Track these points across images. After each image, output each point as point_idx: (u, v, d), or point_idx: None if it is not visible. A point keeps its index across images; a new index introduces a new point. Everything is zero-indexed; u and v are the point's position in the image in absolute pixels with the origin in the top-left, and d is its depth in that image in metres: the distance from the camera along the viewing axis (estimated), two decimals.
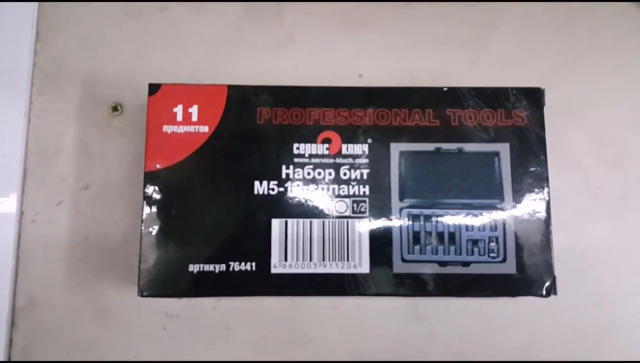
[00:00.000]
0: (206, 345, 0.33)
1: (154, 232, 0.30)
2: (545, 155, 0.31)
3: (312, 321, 0.34)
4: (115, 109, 0.35)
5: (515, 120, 0.31)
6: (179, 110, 0.31)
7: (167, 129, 0.30)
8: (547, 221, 0.30)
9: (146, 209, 0.30)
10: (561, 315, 0.34)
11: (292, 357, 0.33)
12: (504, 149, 0.31)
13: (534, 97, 0.32)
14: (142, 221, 0.30)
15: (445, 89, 0.32)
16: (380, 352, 0.34)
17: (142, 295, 0.29)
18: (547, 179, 0.31)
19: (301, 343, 0.34)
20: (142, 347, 0.33)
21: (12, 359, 0.33)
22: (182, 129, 0.30)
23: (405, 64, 0.37)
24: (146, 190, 0.30)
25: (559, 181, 0.35)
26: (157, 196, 0.30)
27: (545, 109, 0.32)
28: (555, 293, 0.30)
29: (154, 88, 0.31)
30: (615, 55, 0.38)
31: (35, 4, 0.37)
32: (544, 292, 0.30)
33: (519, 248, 0.30)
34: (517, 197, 0.31)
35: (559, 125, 0.36)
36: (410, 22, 0.38)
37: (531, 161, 0.31)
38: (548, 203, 0.31)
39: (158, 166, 0.30)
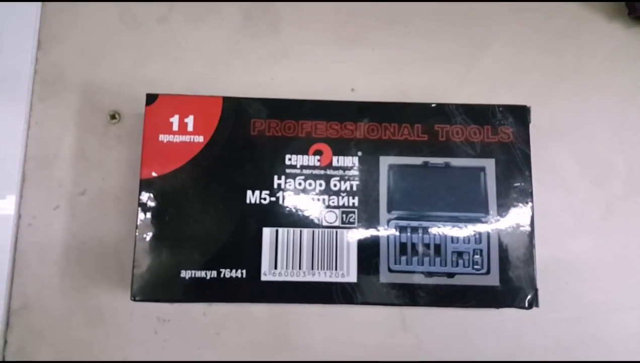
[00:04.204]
0: (196, 350, 0.34)
1: (148, 238, 0.30)
2: (529, 171, 0.32)
3: (299, 328, 0.35)
4: (113, 116, 0.36)
5: (501, 137, 0.33)
6: (175, 120, 0.32)
7: (163, 138, 0.31)
8: (531, 235, 0.31)
9: (141, 216, 0.31)
10: (544, 327, 0.35)
11: None
12: (489, 164, 0.32)
13: (520, 115, 0.33)
14: (136, 227, 0.30)
15: (433, 105, 0.33)
16: (365, 360, 0.34)
17: (135, 300, 0.30)
18: (531, 194, 0.32)
19: (288, 350, 0.34)
20: (133, 351, 0.34)
21: (6, 358, 0.34)
22: (177, 139, 0.31)
23: (397, 79, 0.38)
24: (141, 197, 0.31)
25: (544, 197, 0.36)
26: (151, 203, 0.31)
27: (532, 126, 0.33)
28: (537, 305, 0.31)
29: (151, 98, 0.32)
30: (601, 76, 0.39)
31: (38, 13, 0.38)
32: (526, 304, 0.31)
33: (502, 261, 0.31)
34: (502, 211, 0.32)
35: (545, 143, 0.37)
36: (402, 39, 0.39)
37: (516, 177, 0.32)
38: (532, 217, 0.31)
39: (153, 174, 0.31)
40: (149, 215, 0.31)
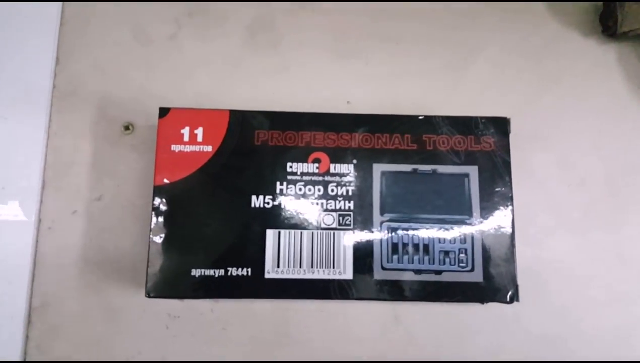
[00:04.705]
0: (204, 344, 0.37)
1: (161, 240, 0.33)
2: (510, 177, 0.35)
3: (299, 324, 0.37)
4: (127, 128, 0.39)
5: (484, 146, 0.36)
6: (186, 131, 0.34)
7: (175, 148, 0.34)
8: (511, 236, 0.34)
9: (154, 219, 0.33)
10: (526, 322, 0.38)
11: (281, 356, 0.37)
12: (473, 171, 0.35)
13: (500, 126, 0.36)
14: (150, 230, 0.33)
15: (421, 117, 0.36)
16: (361, 353, 0.37)
17: (149, 296, 0.33)
18: (511, 199, 0.35)
19: (289, 344, 0.37)
20: (145, 345, 0.36)
21: (27, 353, 0.36)
22: (188, 148, 0.34)
23: (389, 92, 0.41)
24: (154, 202, 0.34)
25: (526, 200, 0.39)
26: (164, 208, 0.34)
27: (515, 135, 0.36)
28: (517, 300, 0.34)
29: (164, 111, 0.35)
30: (579, 88, 0.42)
31: (56, 32, 0.41)
32: (508, 299, 0.34)
33: (485, 259, 0.34)
34: (485, 213, 0.34)
35: (527, 150, 0.40)
36: (394, 55, 0.42)
37: (497, 182, 0.35)
38: (512, 220, 0.34)
39: (166, 181, 0.34)
40: (161, 218, 0.33)
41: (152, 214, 0.33)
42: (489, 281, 0.34)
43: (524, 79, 0.42)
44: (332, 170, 0.35)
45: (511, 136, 0.36)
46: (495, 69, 0.42)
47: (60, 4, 0.41)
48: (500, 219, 0.34)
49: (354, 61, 0.42)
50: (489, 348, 0.37)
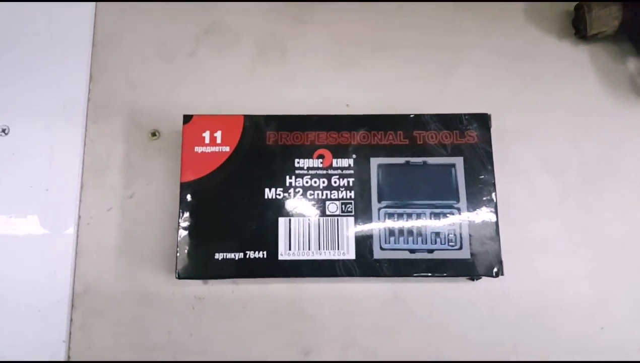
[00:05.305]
0: (226, 321, 0.41)
1: (187, 229, 0.38)
2: (492, 166, 0.40)
3: (310, 302, 0.42)
4: (154, 134, 0.44)
5: (468, 139, 0.40)
6: (206, 134, 0.40)
7: (198, 149, 0.39)
8: (495, 217, 0.39)
9: (181, 211, 0.38)
10: (514, 297, 0.42)
11: (295, 330, 0.41)
12: (459, 162, 0.40)
13: (482, 121, 0.41)
14: (178, 221, 0.38)
15: (412, 116, 0.41)
16: (365, 326, 0.42)
17: (179, 277, 0.38)
18: (494, 185, 0.39)
19: (301, 318, 0.42)
20: (174, 324, 0.41)
21: (72, 335, 0.41)
22: (209, 149, 0.39)
23: (384, 95, 0.46)
24: (182, 197, 0.39)
25: (509, 188, 0.43)
26: (189, 201, 0.39)
27: (498, 130, 0.41)
28: (502, 274, 0.38)
29: (187, 118, 0.40)
30: (556, 86, 0.47)
31: (89, 51, 0.46)
32: (494, 274, 0.38)
33: (472, 238, 0.38)
34: (470, 198, 0.39)
35: (509, 143, 0.45)
36: (389, 62, 0.47)
37: (481, 171, 0.40)
38: (495, 203, 0.39)
39: (191, 178, 0.39)
40: (187, 210, 0.38)
41: (179, 207, 0.38)
42: (476, 257, 0.38)
43: (506, 79, 0.47)
44: (334, 165, 0.40)
45: (494, 131, 0.41)
46: (479, 70, 0.47)
47: (91, 27, 0.47)
48: (484, 202, 0.39)
49: (352, 68, 0.47)
50: (480, 320, 0.42)
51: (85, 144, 0.45)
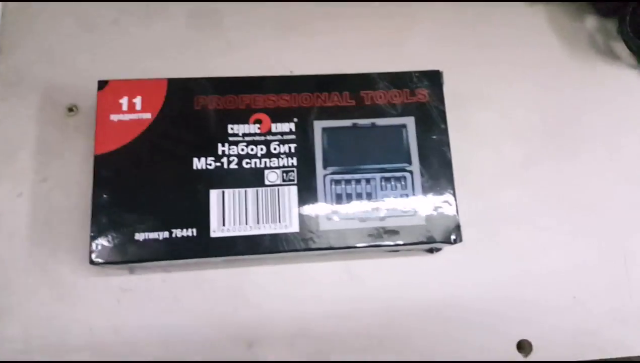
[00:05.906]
0: (157, 315, 0.36)
1: (103, 208, 0.33)
2: (445, 125, 0.36)
3: (255, 288, 0.37)
4: (70, 109, 0.39)
5: (419, 98, 0.37)
6: (124, 101, 0.35)
7: (114, 117, 0.35)
8: (450, 178, 0.35)
9: (95, 188, 0.33)
10: (479, 268, 0.39)
11: (238, 322, 0.36)
12: (410, 122, 0.36)
13: (433, 78, 0.37)
14: (92, 199, 0.33)
15: (359, 75, 0.37)
16: (319, 311, 0.37)
17: (92, 263, 0.32)
18: (448, 144, 0.36)
19: (246, 308, 0.37)
20: (96, 320, 0.36)
21: None
22: (127, 117, 0.35)
23: (332, 63, 0.42)
24: (96, 171, 0.34)
25: (470, 154, 0.40)
26: (105, 175, 0.34)
27: (456, 95, 0.38)
28: (461, 240, 0.34)
29: (102, 84, 0.35)
30: (514, 49, 0.44)
31: None
32: (451, 240, 0.34)
33: (426, 202, 0.35)
34: (423, 160, 0.35)
35: (469, 108, 0.42)
36: (337, 26, 0.43)
37: (434, 130, 0.36)
38: (449, 163, 0.35)
39: (106, 150, 0.34)
40: (102, 186, 0.33)
41: (93, 183, 0.33)
42: (432, 222, 0.34)
43: (462, 44, 0.44)
44: (273, 130, 0.36)
45: (451, 97, 0.37)
46: (432, 39, 0.44)
47: None
48: (439, 163, 0.35)
49: (297, 33, 0.43)
50: (440, 295, 0.38)
51: None
